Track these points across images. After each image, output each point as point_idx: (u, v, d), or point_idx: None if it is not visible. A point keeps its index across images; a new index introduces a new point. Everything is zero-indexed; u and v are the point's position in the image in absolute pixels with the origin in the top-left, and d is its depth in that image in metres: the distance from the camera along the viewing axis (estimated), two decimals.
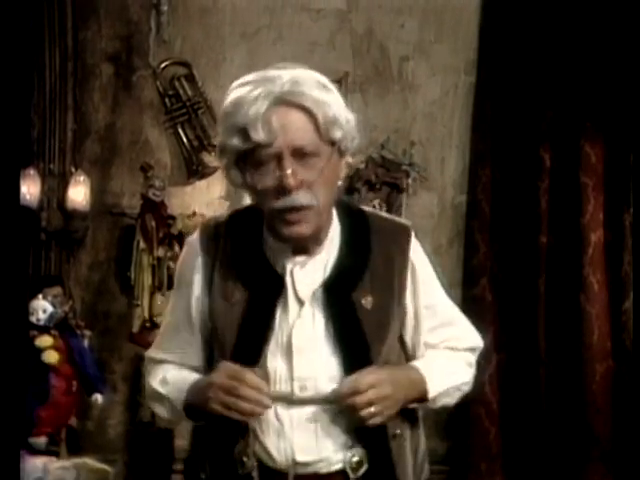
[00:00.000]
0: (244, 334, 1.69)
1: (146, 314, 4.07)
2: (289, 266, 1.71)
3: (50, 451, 3.54)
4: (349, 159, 1.75)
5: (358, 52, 4.37)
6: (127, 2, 4.36)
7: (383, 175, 4.28)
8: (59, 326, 3.68)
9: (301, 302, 1.70)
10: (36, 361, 3.55)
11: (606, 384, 4.03)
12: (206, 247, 1.76)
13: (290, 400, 1.68)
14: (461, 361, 1.85)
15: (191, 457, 1.84)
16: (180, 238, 4.08)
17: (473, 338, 1.89)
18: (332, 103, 1.65)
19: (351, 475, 1.69)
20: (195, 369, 1.80)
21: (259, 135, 1.61)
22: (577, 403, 4.03)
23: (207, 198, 4.28)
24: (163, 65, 4.33)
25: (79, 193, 4.15)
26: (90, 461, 3.51)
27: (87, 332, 3.90)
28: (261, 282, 1.72)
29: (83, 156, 4.34)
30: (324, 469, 1.69)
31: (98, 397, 3.71)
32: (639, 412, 3.91)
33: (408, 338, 1.80)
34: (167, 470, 3.90)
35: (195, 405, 1.72)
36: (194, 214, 4.13)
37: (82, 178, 4.17)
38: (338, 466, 1.69)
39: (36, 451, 3.49)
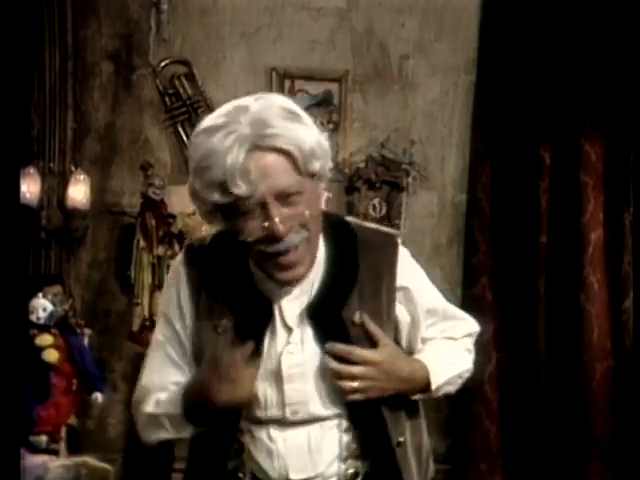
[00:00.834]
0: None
1: (146, 313, 4.07)
2: (276, 291, 1.69)
3: (50, 450, 3.54)
4: (327, 177, 1.68)
5: (358, 51, 4.37)
6: (127, 1, 4.35)
7: (383, 174, 4.28)
8: (59, 325, 3.69)
9: (289, 328, 1.68)
10: (36, 360, 3.55)
11: (606, 383, 4.03)
12: (191, 275, 1.73)
13: (282, 423, 1.67)
14: (460, 349, 1.84)
15: (188, 472, 1.82)
16: (180, 237, 4.08)
17: (469, 324, 1.88)
18: (305, 135, 1.59)
19: None
20: None
21: (240, 189, 1.55)
22: (577, 402, 4.04)
23: None
24: (163, 64, 4.33)
25: (79, 192, 4.15)
26: (90, 460, 3.51)
27: (87, 331, 3.90)
28: (248, 309, 1.68)
29: (83, 155, 4.34)
30: None
31: (98, 396, 3.71)
32: (639, 411, 3.92)
33: (404, 341, 1.79)
34: (167, 469, 3.90)
35: (196, 405, 1.69)
36: (194, 213, 4.11)
37: (82, 177, 4.18)
38: (333, 479, 1.69)
39: (36, 450, 3.49)
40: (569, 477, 4.03)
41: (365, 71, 4.37)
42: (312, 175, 1.63)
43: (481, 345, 1.89)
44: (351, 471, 1.69)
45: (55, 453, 3.54)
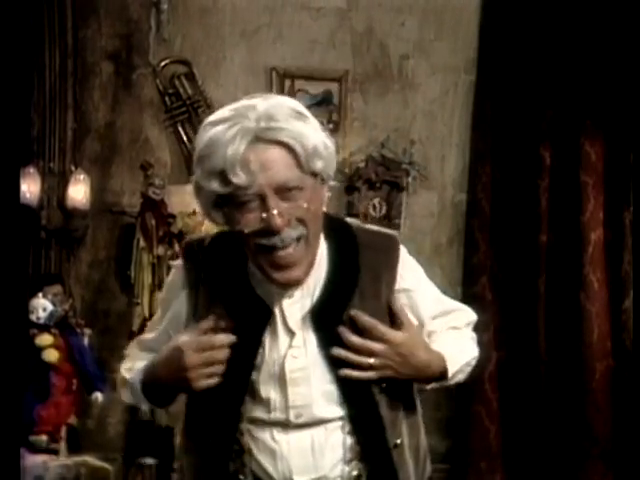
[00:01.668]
0: (231, 364, 1.66)
1: (146, 312, 4.07)
2: (276, 294, 1.68)
3: (50, 449, 3.54)
4: (331, 183, 1.68)
5: (358, 51, 4.37)
6: (127, 1, 4.36)
7: (383, 174, 4.28)
8: (59, 325, 3.69)
9: (292, 332, 1.67)
10: (36, 360, 3.55)
11: (606, 383, 4.04)
12: (190, 276, 1.73)
13: (286, 425, 1.67)
14: (466, 337, 1.85)
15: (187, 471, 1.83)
16: (180, 236, 4.08)
17: (468, 314, 1.88)
18: (310, 133, 1.60)
19: None
20: None
21: (239, 178, 1.55)
22: (577, 402, 4.04)
23: None
24: (163, 63, 4.33)
25: (79, 192, 4.15)
26: (90, 459, 3.51)
27: (87, 330, 3.90)
28: (247, 311, 1.68)
29: (83, 155, 4.34)
30: None
31: (98, 396, 3.71)
32: (639, 411, 3.92)
33: None
34: (167, 469, 3.90)
35: (157, 382, 1.70)
36: (194, 212, 4.12)
37: (82, 177, 4.18)
38: None
39: (36, 449, 3.49)
40: (569, 477, 4.03)
41: (365, 71, 4.38)
42: (314, 174, 1.62)
43: (481, 345, 1.89)
44: (354, 473, 1.69)
45: (55, 453, 3.54)
